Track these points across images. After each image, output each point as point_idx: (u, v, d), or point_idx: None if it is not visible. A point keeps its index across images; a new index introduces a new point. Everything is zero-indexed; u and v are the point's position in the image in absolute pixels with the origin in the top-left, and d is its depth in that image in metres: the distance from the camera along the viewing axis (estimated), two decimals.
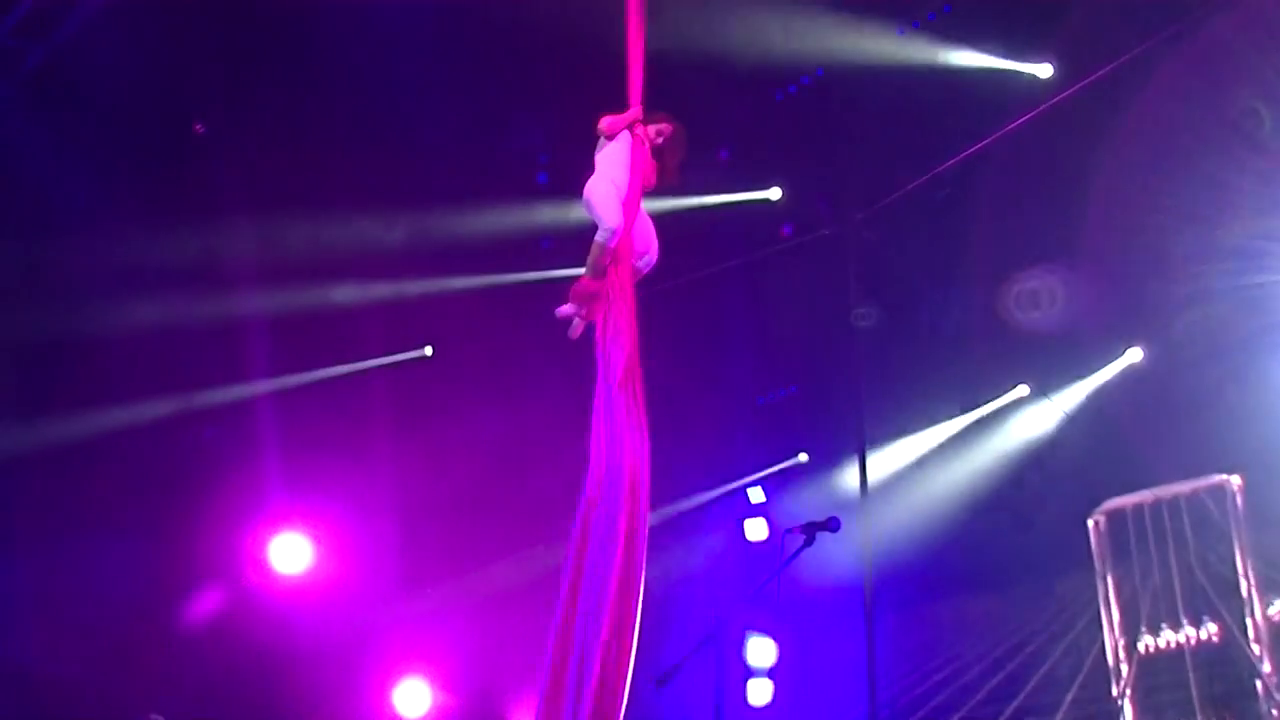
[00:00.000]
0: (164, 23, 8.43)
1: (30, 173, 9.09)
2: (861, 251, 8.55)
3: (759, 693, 9.60)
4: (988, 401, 10.13)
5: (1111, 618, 8.44)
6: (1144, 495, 8.38)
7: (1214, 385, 8.66)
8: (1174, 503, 8.26)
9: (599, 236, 5.50)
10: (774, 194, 9.33)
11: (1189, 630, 8.15)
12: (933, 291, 9.60)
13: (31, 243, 9.36)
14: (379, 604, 10.86)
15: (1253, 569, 7.98)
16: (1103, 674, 8.49)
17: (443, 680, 10.71)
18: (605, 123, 5.71)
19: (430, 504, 10.86)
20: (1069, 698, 8.56)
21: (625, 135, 5.72)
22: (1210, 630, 8.08)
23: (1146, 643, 8.25)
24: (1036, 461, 9.73)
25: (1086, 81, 7.59)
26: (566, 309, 5.59)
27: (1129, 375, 9.43)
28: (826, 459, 10.41)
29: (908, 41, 8.58)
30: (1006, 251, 9.23)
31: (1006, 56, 8.60)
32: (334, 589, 10.73)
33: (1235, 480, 8.16)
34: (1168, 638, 8.22)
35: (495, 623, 10.60)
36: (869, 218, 8.57)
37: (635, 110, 5.78)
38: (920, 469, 10.17)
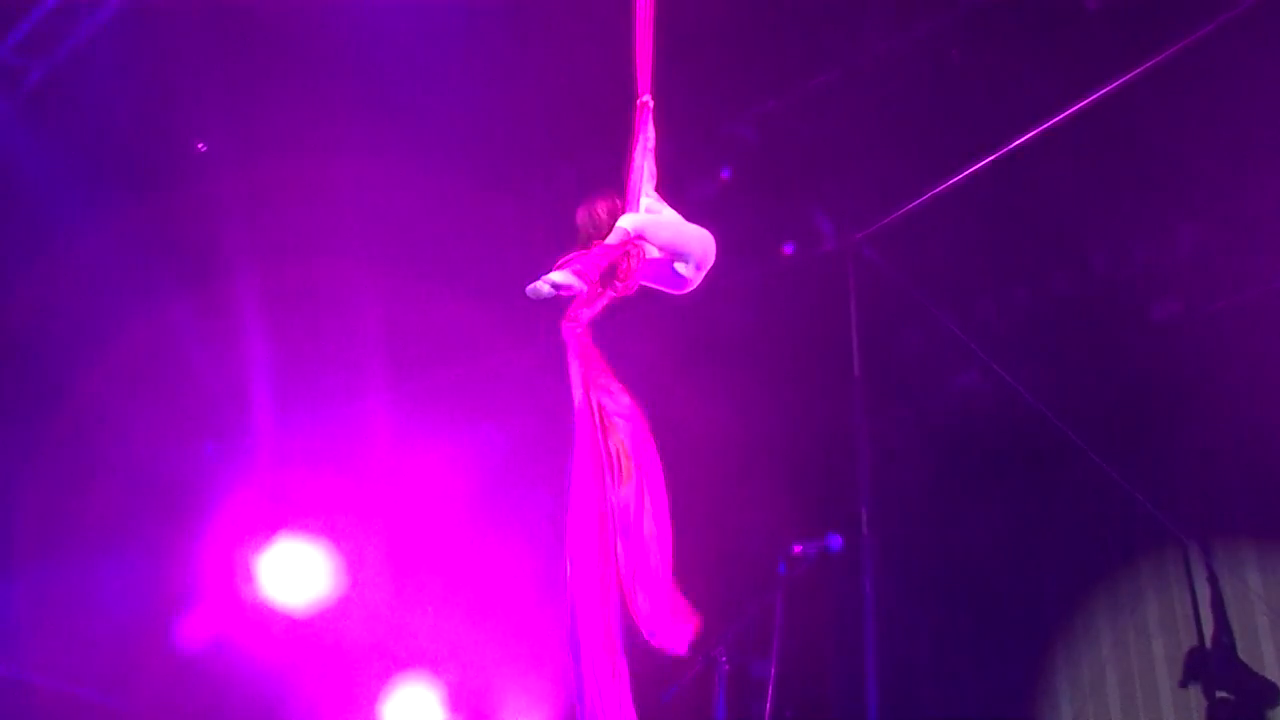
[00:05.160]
0: (167, 40, 8.44)
1: (30, 189, 9.11)
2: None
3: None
4: None
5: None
6: None
7: None
8: None
9: (686, 270, 5.31)
10: None
11: None
12: None
13: (30, 259, 9.38)
14: (381, 619, 10.86)
15: None
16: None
17: (449, 696, 10.70)
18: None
19: (432, 518, 10.88)
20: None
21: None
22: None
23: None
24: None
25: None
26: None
27: None
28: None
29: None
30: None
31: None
32: (336, 604, 10.73)
33: None
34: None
35: (497, 635, 10.61)
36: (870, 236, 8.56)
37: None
38: None
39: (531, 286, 4.83)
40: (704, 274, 5.42)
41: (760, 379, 9.89)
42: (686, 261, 5.33)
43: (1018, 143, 7.82)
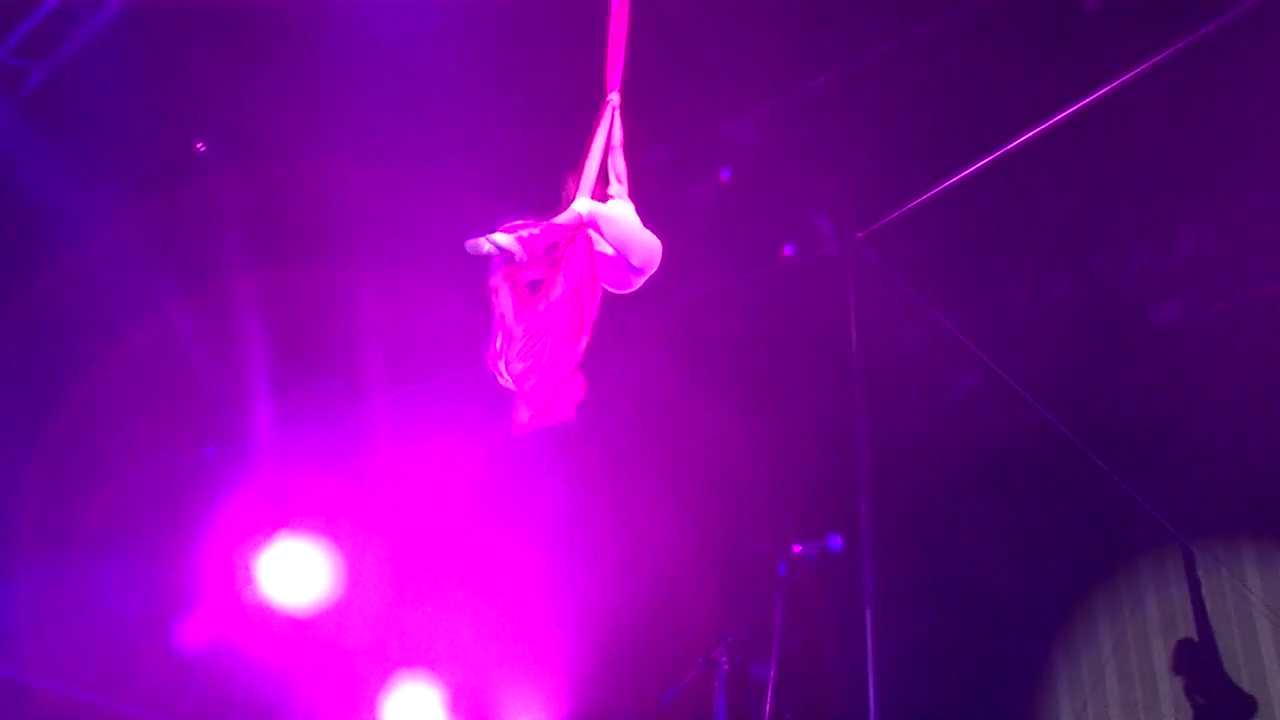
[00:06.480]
0: (166, 42, 8.44)
1: (31, 191, 9.11)
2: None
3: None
4: None
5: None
6: None
7: None
8: None
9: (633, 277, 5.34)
10: None
11: None
12: None
13: (30, 262, 9.38)
14: (380, 619, 10.86)
15: None
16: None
17: (449, 696, 10.70)
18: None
19: (430, 520, 10.88)
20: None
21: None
22: None
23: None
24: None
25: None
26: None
27: None
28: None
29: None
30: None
31: None
32: (335, 606, 10.73)
33: None
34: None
35: (497, 635, 10.60)
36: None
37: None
38: None
39: (472, 242, 4.88)
40: (645, 278, 5.46)
41: (760, 379, 9.89)
42: (630, 262, 5.36)
43: (1018, 142, 7.82)
